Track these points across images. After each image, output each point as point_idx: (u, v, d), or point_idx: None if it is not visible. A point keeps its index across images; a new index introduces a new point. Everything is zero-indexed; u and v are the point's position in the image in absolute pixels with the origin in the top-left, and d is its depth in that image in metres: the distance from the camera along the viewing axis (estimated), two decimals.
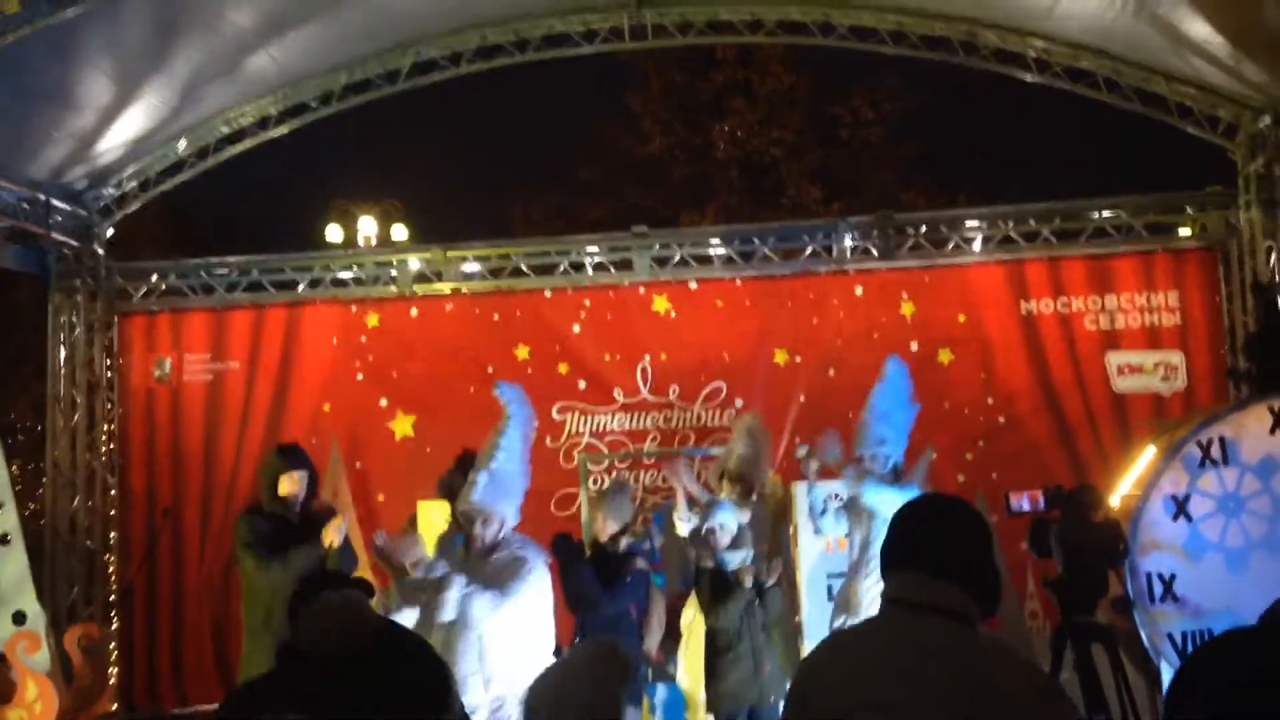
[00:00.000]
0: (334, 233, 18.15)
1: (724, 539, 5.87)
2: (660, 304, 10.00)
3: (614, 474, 9.59)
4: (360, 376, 10.11)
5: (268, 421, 10.02)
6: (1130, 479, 6.17)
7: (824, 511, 6.51)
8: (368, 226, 18.66)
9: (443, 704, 3.05)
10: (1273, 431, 5.80)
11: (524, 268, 10.24)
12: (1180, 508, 5.83)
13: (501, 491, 5.12)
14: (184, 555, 9.94)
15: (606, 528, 5.98)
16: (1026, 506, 5.13)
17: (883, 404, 6.43)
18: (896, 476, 6.26)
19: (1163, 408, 9.38)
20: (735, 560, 5.88)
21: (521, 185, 19.25)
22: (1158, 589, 5.66)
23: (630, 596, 5.96)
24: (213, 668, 9.80)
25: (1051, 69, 9.58)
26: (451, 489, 6.68)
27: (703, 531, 5.92)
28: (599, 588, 5.79)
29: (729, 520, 5.94)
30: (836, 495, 7.18)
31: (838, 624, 6.14)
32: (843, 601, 6.24)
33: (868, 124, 18.14)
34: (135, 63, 8.59)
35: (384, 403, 10.02)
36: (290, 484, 5.92)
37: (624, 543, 5.97)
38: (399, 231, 18.00)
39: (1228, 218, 9.63)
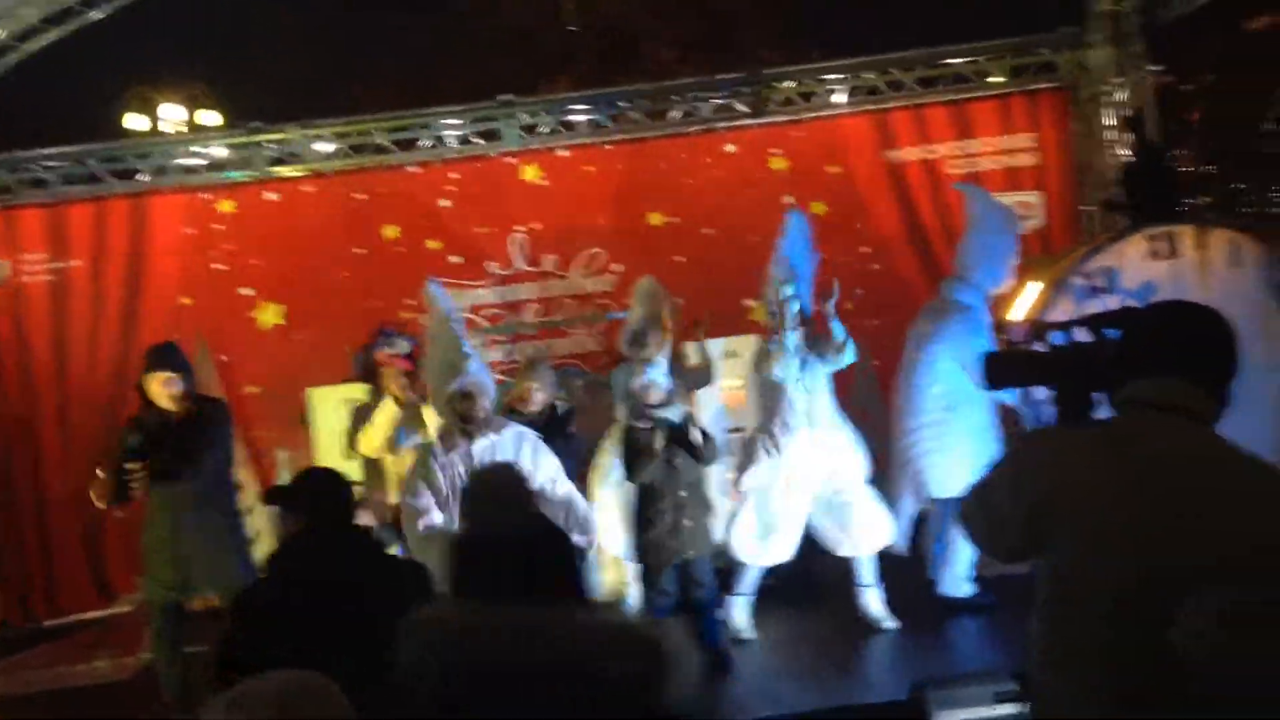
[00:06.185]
0: (135, 122, 16.70)
1: (655, 396, 5.86)
2: (530, 173, 9.74)
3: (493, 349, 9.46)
4: (219, 267, 9.64)
5: (122, 321, 9.49)
6: (1017, 313, 6.33)
7: None
8: (173, 114, 17.18)
9: None
10: (1151, 258, 6.00)
11: (385, 143, 9.81)
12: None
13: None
14: (44, 467, 9.45)
15: (536, 397, 6.04)
16: None
17: (791, 257, 6.44)
18: (805, 324, 6.32)
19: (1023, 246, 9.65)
20: (667, 417, 5.88)
21: (351, 62, 17.99)
22: None
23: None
24: (87, 577, 9.45)
25: None
26: (367, 368, 6.47)
27: (636, 389, 5.89)
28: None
29: (660, 378, 5.93)
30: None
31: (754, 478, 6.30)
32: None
33: None
34: None
35: (247, 292, 9.60)
36: (157, 385, 5.59)
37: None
38: (209, 118, 16.80)
39: (1079, 58, 9.81)
